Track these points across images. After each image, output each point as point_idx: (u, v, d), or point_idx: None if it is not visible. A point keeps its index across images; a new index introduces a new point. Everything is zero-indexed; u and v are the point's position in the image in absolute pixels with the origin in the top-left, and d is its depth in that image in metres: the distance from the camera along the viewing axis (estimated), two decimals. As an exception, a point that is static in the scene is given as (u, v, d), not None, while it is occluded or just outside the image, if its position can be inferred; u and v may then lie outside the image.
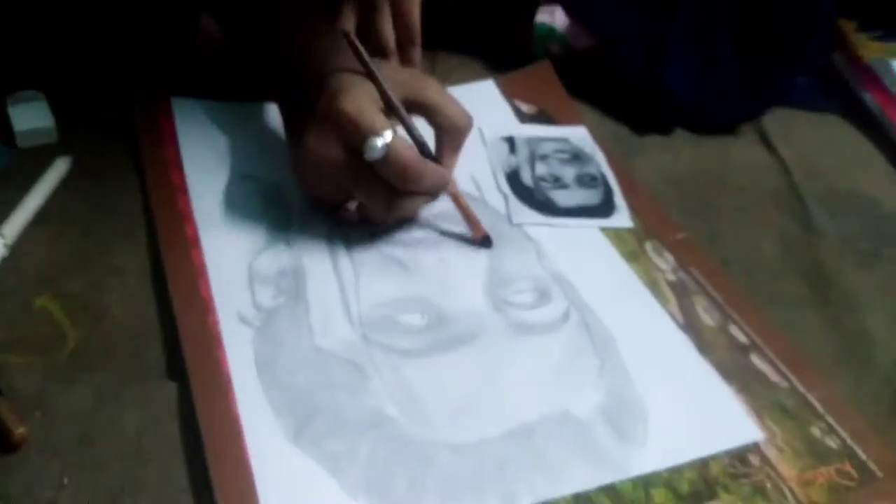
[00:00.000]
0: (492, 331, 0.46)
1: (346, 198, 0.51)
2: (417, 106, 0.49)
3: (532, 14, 0.68)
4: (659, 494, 0.40)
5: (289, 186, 0.52)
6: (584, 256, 0.53)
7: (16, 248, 0.47)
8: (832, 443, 0.44)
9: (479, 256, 0.51)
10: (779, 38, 0.65)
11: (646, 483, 0.40)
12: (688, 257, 0.54)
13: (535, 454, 0.40)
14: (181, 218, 0.49)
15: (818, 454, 0.43)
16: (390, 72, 0.48)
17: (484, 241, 0.52)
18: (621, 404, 0.44)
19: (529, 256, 0.52)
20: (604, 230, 0.55)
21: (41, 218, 0.49)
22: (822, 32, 0.67)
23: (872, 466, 0.43)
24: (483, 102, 0.65)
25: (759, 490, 0.41)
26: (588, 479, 0.40)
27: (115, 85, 0.57)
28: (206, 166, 0.53)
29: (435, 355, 0.45)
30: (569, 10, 0.67)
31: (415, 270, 0.49)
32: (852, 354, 0.51)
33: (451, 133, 0.50)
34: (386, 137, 0.45)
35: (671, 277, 0.52)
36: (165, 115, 0.56)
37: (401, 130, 0.49)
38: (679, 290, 0.52)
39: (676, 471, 0.41)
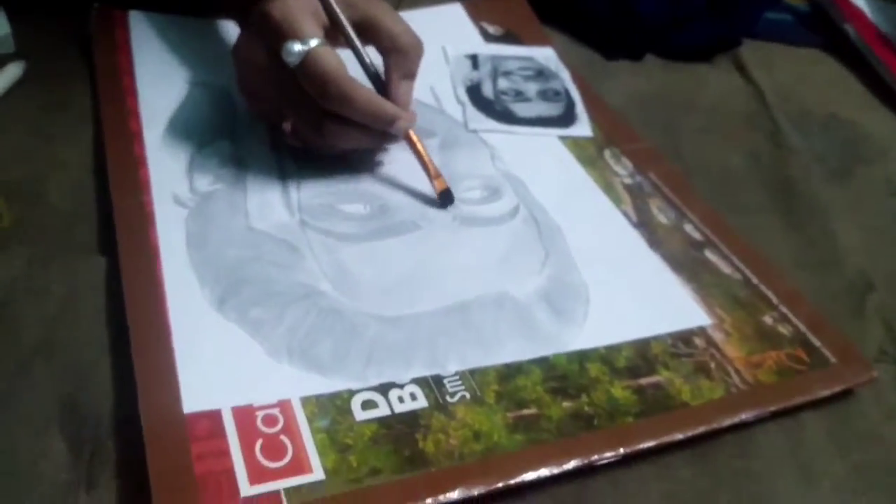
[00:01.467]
0: (436, 222, 0.45)
1: (281, 112, 0.46)
2: (364, 28, 0.46)
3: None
4: (594, 368, 0.38)
5: (237, 91, 0.52)
6: (539, 160, 0.52)
7: (-39, 143, 0.47)
8: (784, 330, 0.42)
9: (432, 158, 0.50)
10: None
11: (581, 357, 0.39)
12: (647, 163, 0.53)
13: (468, 327, 0.39)
14: (127, 114, 0.49)
15: (768, 339, 0.42)
16: None
17: (443, 197, 0.46)
18: (562, 288, 0.42)
19: (483, 158, 0.51)
20: (562, 138, 0.54)
21: (-11, 115, 0.49)
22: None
23: (826, 353, 0.41)
24: (448, 24, 0.64)
25: (702, 368, 0.39)
26: (521, 352, 0.39)
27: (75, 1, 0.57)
28: (156, 72, 0.52)
29: (374, 240, 0.43)
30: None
31: (361, 168, 0.48)
32: (817, 258, 0.50)
33: (398, 56, 0.45)
34: (308, 44, 0.42)
35: (628, 181, 0.51)
36: (121, 25, 0.55)
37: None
38: (635, 192, 0.50)
39: (614, 348, 0.40)
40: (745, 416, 0.37)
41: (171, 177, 0.45)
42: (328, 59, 0.42)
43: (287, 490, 0.31)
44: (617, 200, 0.49)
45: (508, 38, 0.64)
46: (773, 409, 0.38)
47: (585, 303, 0.42)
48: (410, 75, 0.47)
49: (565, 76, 0.60)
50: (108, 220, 0.42)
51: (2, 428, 0.33)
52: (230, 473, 0.31)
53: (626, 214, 0.48)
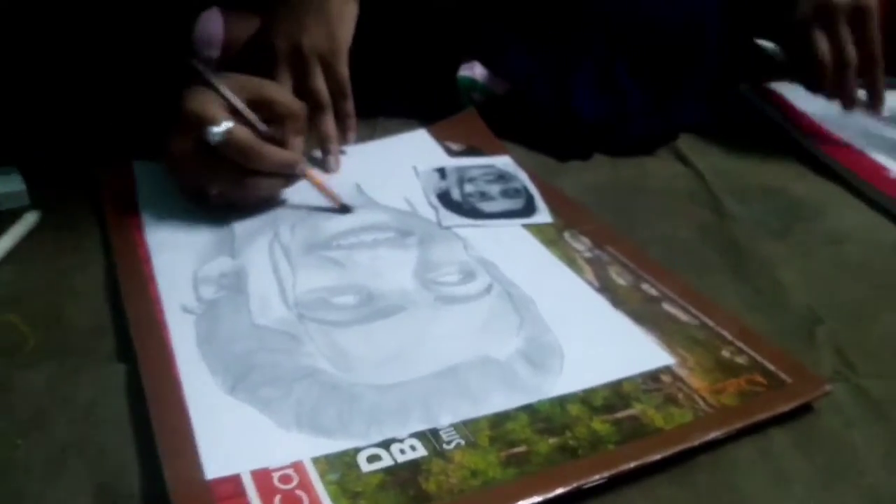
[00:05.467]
0: (419, 303, 0.51)
1: (206, 183, 0.58)
2: (259, 103, 0.58)
3: (455, 70, 0.76)
4: (574, 408, 0.42)
5: (232, 215, 0.59)
6: (507, 245, 0.58)
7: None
8: (741, 360, 0.47)
9: (410, 252, 0.56)
10: (667, 64, 0.74)
11: (561, 401, 0.43)
12: (603, 239, 0.59)
13: (457, 386, 0.44)
14: (135, 244, 0.55)
15: (728, 370, 0.46)
16: (232, 81, 0.57)
17: (343, 209, 0.60)
18: (538, 346, 0.47)
19: (457, 248, 0.57)
20: (525, 226, 0.60)
21: (10, 259, 0.55)
22: (707, 60, 0.76)
23: (782, 375, 0.45)
24: (416, 147, 0.72)
25: (671, 399, 0.43)
26: (507, 402, 0.43)
27: (82, 158, 0.65)
28: (160, 208, 0.59)
29: (365, 323, 0.48)
30: (485, 63, 0.76)
31: (349, 266, 0.54)
32: (766, 302, 0.54)
33: (288, 118, 0.59)
34: (223, 126, 0.54)
35: (587, 255, 0.57)
36: (127, 174, 0.63)
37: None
38: (595, 263, 0.56)
39: (591, 391, 0.44)
40: (714, 434, 0.41)
41: (178, 290, 0.50)
42: (241, 133, 0.55)
43: (306, 532, 0.34)
44: (579, 271, 0.55)
45: (470, 151, 0.71)
46: (739, 426, 0.42)
47: (561, 356, 0.46)
48: (300, 132, 0.60)
49: (523, 177, 0.67)
50: (125, 335, 0.47)
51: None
52: (254, 523, 0.35)
53: (588, 282, 0.54)
